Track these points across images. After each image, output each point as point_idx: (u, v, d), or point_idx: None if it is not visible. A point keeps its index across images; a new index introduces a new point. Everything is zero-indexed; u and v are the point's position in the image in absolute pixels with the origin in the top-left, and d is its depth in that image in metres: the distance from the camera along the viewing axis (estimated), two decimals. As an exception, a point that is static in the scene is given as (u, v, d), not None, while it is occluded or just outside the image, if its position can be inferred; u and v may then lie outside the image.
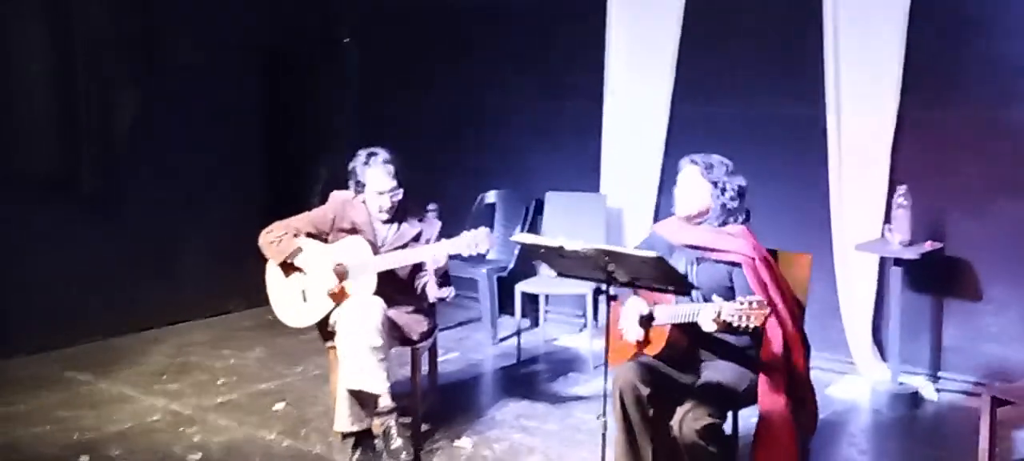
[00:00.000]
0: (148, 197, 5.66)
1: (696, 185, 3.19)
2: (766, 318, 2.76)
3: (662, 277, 2.82)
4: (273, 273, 3.83)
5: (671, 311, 3.03)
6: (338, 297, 3.70)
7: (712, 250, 3.14)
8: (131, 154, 5.60)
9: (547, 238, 2.96)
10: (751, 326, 2.74)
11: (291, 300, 3.80)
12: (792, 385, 3.05)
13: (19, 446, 3.81)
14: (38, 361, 4.92)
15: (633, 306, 3.12)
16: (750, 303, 2.73)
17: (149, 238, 5.69)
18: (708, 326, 2.84)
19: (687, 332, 3.05)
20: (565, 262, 2.96)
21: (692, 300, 3.04)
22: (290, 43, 6.42)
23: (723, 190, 3.16)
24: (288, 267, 3.78)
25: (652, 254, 2.74)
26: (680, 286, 2.86)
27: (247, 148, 6.30)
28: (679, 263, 3.16)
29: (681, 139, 5.09)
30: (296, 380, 4.74)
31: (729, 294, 3.01)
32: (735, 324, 2.75)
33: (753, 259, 3.08)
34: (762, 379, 3.05)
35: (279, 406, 4.34)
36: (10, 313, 5.07)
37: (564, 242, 2.83)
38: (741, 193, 3.18)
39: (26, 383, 4.60)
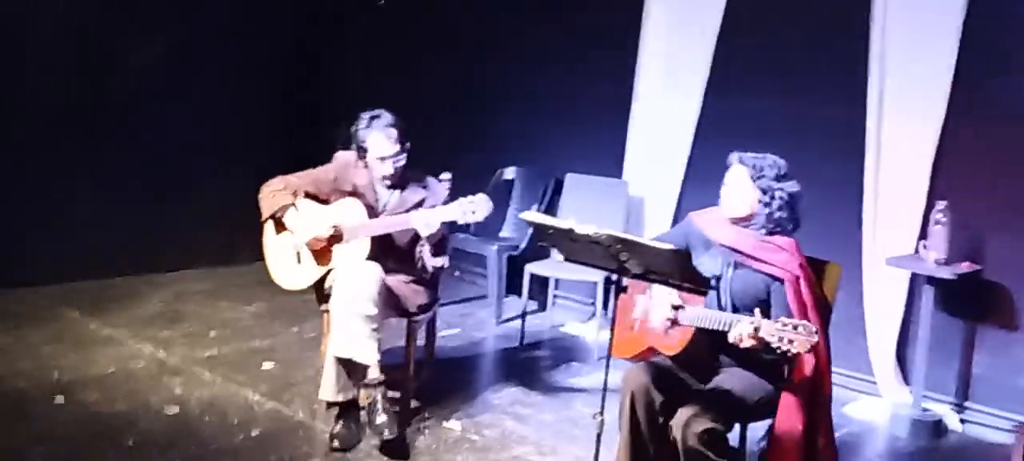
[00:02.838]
0: (167, 141, 5.47)
1: (743, 188, 2.84)
2: (811, 347, 2.43)
3: (679, 273, 2.50)
4: (268, 231, 3.58)
5: (699, 314, 2.72)
6: (322, 256, 3.44)
7: (754, 258, 2.79)
8: (150, 97, 5.40)
9: (557, 219, 2.64)
10: (793, 351, 2.42)
11: (285, 261, 3.56)
12: (813, 413, 2.73)
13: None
14: (33, 295, 4.74)
15: (662, 292, 2.80)
16: (795, 327, 2.41)
17: (163, 182, 5.50)
18: (743, 341, 2.51)
19: (710, 336, 2.72)
20: (575, 247, 2.64)
21: (720, 305, 2.74)
22: (325, 1, 6.17)
23: (772, 199, 2.80)
24: (280, 225, 3.51)
25: (669, 247, 2.42)
26: (698, 286, 2.53)
27: (272, 102, 6.10)
28: (714, 262, 2.84)
29: (711, 131, 4.78)
30: (290, 340, 4.49)
31: (762, 307, 2.66)
32: (774, 345, 2.43)
33: (797, 278, 2.75)
34: (785, 399, 2.74)
35: (268, 365, 4.10)
36: (9, 243, 4.89)
37: (574, 225, 2.52)
38: (791, 202, 2.82)
39: (16, 317, 4.41)
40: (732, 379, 2.79)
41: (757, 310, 2.55)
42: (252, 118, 5.93)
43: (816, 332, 2.42)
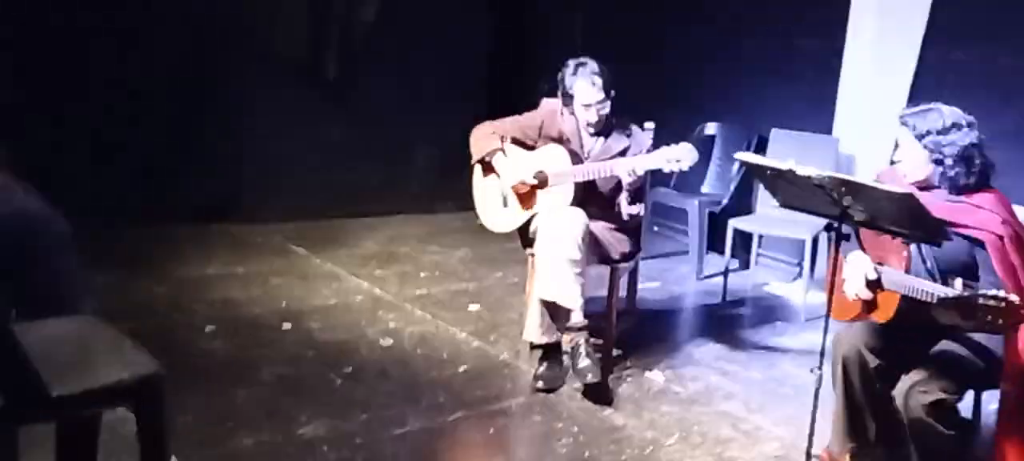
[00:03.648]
0: (381, 93, 5.73)
1: (911, 151, 2.54)
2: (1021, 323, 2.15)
3: (909, 220, 2.26)
4: (477, 174, 3.66)
5: (900, 279, 2.46)
6: (526, 200, 3.47)
7: (951, 224, 2.46)
8: (371, 50, 5.67)
9: (775, 160, 2.46)
10: (1000, 323, 2.14)
11: (493, 204, 3.63)
12: None
13: (232, 305, 3.96)
14: (265, 231, 5.13)
15: (857, 261, 2.57)
16: (999, 301, 2.11)
17: (378, 131, 5.77)
18: (944, 316, 2.27)
19: (921, 305, 2.45)
20: (792, 191, 2.48)
21: (928, 270, 2.47)
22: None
23: (942, 156, 2.47)
24: (488, 168, 3.58)
25: (902, 190, 2.20)
26: (933, 233, 2.27)
27: (475, 56, 6.21)
28: None
29: (928, 84, 4.32)
30: (494, 284, 4.60)
31: (969, 273, 2.38)
32: (975, 318, 2.16)
33: (1001, 238, 2.41)
34: (1009, 361, 2.41)
35: (474, 307, 4.22)
36: (247, 184, 5.38)
37: (794, 166, 2.35)
38: (964, 156, 2.46)
39: (251, 249, 4.82)
40: (958, 342, 2.51)
41: (958, 281, 2.27)
42: (459, 72, 6.06)
43: (1018, 302, 2.10)
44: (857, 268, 2.56)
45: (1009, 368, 2.42)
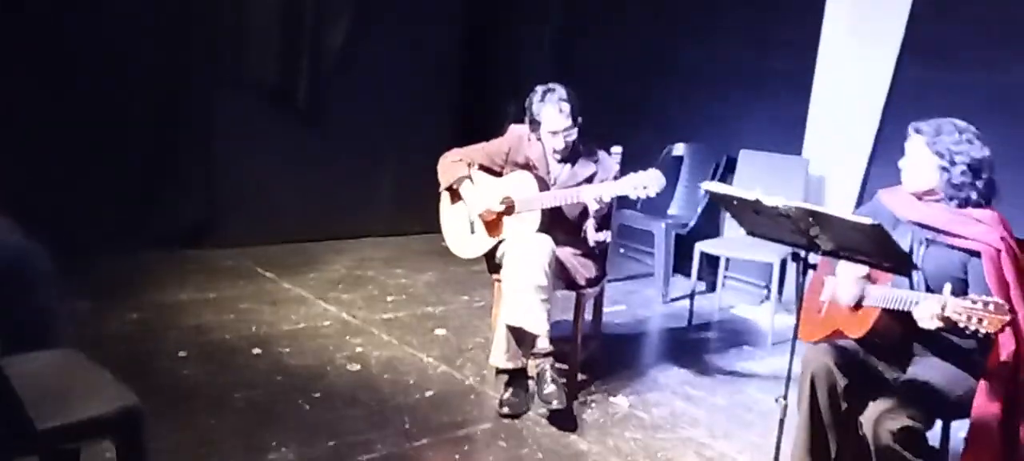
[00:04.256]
0: (350, 117, 5.69)
1: (920, 157, 2.54)
2: (1004, 326, 2.16)
3: (878, 250, 2.26)
4: (445, 201, 3.63)
5: (884, 293, 2.46)
6: (493, 227, 3.45)
7: (947, 234, 2.49)
8: (340, 75, 5.63)
9: (741, 190, 2.46)
10: (982, 331, 2.16)
11: (460, 230, 3.59)
12: (1013, 404, 2.40)
13: (204, 330, 3.90)
14: (235, 255, 5.07)
15: (847, 268, 2.56)
16: (985, 304, 2.14)
17: (346, 155, 5.72)
18: (927, 322, 2.27)
19: (901, 320, 2.46)
20: (759, 220, 2.46)
21: (912, 286, 2.47)
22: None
23: (952, 163, 2.48)
24: (456, 195, 3.55)
25: (868, 221, 2.19)
26: (899, 263, 2.28)
27: (444, 79, 6.20)
28: (903, 239, 2.55)
29: (904, 105, 4.34)
30: (460, 308, 4.55)
31: (960, 286, 2.39)
32: (962, 325, 2.17)
33: (997, 251, 2.42)
34: (981, 388, 2.42)
35: (440, 331, 4.17)
36: (218, 209, 5.30)
37: (761, 196, 2.34)
38: (975, 167, 2.48)
39: (222, 274, 4.75)
40: (930, 369, 2.51)
41: (946, 286, 2.27)
42: (428, 95, 6.04)
43: (1008, 309, 2.14)
44: (847, 274, 2.55)
45: (990, 372, 2.41)
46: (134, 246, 4.78)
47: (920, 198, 2.58)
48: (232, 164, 5.31)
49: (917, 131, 2.57)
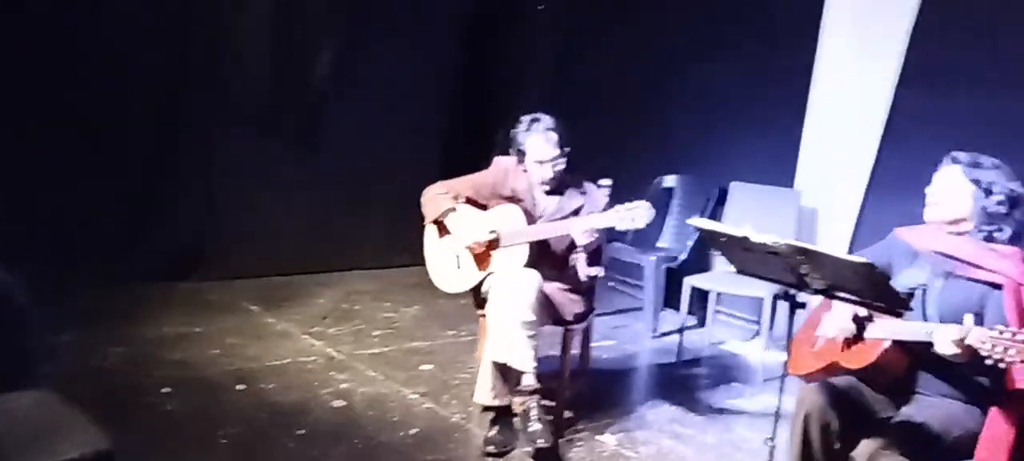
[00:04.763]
0: (338, 148, 5.61)
1: (955, 186, 2.47)
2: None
3: (870, 289, 2.20)
4: (430, 235, 3.55)
5: (894, 325, 2.37)
6: (480, 261, 3.37)
7: (970, 265, 2.41)
8: (328, 105, 5.56)
9: (730, 226, 2.40)
10: (1007, 361, 2.06)
11: (446, 265, 3.51)
12: (1020, 450, 2.31)
13: (189, 365, 3.81)
14: (221, 289, 4.96)
15: (843, 307, 2.49)
16: (1014, 334, 2.04)
17: (334, 187, 5.64)
18: (945, 348, 2.17)
19: (908, 352, 2.38)
20: (748, 257, 2.39)
21: (929, 319, 2.39)
22: (487, 6, 6.17)
23: (989, 192, 2.42)
24: (443, 229, 3.47)
25: (862, 260, 2.12)
26: (892, 304, 2.21)
27: (436, 107, 6.14)
28: (920, 273, 2.49)
29: (903, 134, 4.23)
30: (447, 343, 4.46)
31: (977, 322, 2.28)
32: (985, 354, 2.07)
33: (1019, 285, 2.35)
34: (992, 415, 2.32)
35: (426, 367, 4.08)
36: (204, 242, 5.21)
37: (750, 233, 2.27)
38: (1013, 199, 2.43)
39: (208, 308, 4.64)
40: (928, 409, 2.42)
41: (967, 317, 2.19)
42: (416, 126, 5.98)
43: None
44: (844, 309, 2.48)
45: (1004, 400, 2.31)
46: (119, 278, 4.67)
47: (948, 229, 2.51)
48: (220, 197, 5.22)
49: (954, 160, 2.51)
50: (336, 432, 3.26)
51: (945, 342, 2.17)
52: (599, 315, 4.21)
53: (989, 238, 2.44)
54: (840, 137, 4.53)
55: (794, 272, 2.29)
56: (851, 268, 2.14)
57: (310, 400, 3.54)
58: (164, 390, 3.47)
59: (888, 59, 4.31)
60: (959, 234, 2.49)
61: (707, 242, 2.50)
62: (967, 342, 2.12)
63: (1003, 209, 2.42)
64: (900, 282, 2.45)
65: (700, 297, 4.85)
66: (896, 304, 2.21)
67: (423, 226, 3.58)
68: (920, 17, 4.22)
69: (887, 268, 2.51)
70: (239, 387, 3.61)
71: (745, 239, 2.28)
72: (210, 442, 3.07)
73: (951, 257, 2.45)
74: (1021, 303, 2.33)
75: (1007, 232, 2.43)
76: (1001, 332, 2.06)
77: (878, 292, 2.19)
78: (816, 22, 4.63)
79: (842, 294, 2.29)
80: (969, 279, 2.41)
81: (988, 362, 2.08)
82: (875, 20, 4.38)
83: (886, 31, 4.33)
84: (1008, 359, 2.05)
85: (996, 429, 2.30)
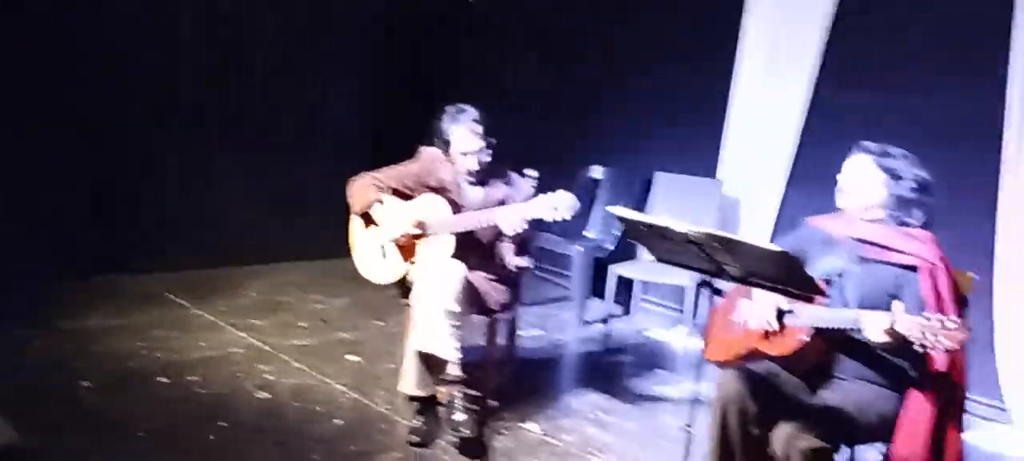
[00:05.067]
0: (266, 139, 5.51)
1: (865, 174, 2.55)
2: (961, 345, 2.11)
3: (786, 277, 2.25)
4: (356, 225, 3.51)
5: (817, 313, 2.43)
6: (406, 251, 3.36)
7: (884, 248, 2.48)
8: (258, 97, 5.45)
9: (650, 215, 2.43)
10: (937, 347, 2.12)
11: (372, 255, 3.47)
12: (943, 416, 2.37)
13: (111, 357, 3.69)
14: (148, 282, 4.81)
15: (766, 293, 2.53)
16: (942, 322, 2.10)
17: (263, 178, 5.54)
18: (875, 335, 2.23)
19: (828, 339, 2.44)
20: (668, 246, 2.42)
21: (847, 306, 2.45)
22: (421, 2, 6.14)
23: (899, 178, 2.51)
24: (370, 220, 3.43)
25: (776, 249, 2.17)
26: (807, 291, 2.27)
27: (363, 99, 6.07)
28: (837, 260, 2.55)
29: (821, 128, 4.36)
30: (374, 334, 4.41)
31: (890, 304, 2.35)
32: (913, 339, 2.13)
33: (934, 266, 2.42)
34: (912, 398, 2.38)
35: (353, 358, 4.03)
36: (131, 234, 5.04)
37: (669, 222, 2.31)
38: (922, 186, 2.52)
39: (133, 301, 4.49)
40: (845, 393, 2.49)
41: (896, 304, 2.25)
42: (344, 118, 5.92)
43: (969, 328, 2.09)
44: (766, 298, 2.52)
45: (922, 384, 2.38)
46: (42, 271, 4.47)
47: (861, 217, 2.58)
48: (146, 188, 5.08)
49: (864, 150, 2.58)
50: (259, 424, 3.20)
51: (874, 329, 2.23)
52: (529, 305, 4.22)
53: (902, 223, 2.52)
54: (761, 130, 4.62)
55: (712, 260, 2.33)
56: (766, 256, 2.19)
57: (234, 392, 3.46)
58: (84, 383, 3.35)
59: (806, 56, 4.43)
60: (872, 221, 2.56)
61: (628, 232, 2.52)
62: (896, 329, 2.18)
63: (914, 195, 2.51)
64: (818, 269, 2.51)
65: (625, 286, 4.92)
66: (810, 290, 2.26)
67: (348, 223, 3.53)
68: (836, 18, 4.34)
69: (801, 255, 2.58)
70: (161, 380, 3.51)
71: (665, 228, 2.31)
72: (129, 435, 2.98)
73: (866, 242, 2.53)
74: (937, 285, 2.41)
75: (919, 217, 2.52)
76: (929, 319, 2.12)
77: (793, 278, 2.24)
78: (738, 20, 4.72)
79: (758, 280, 2.34)
80: (885, 263, 2.48)
81: (917, 348, 2.14)
82: (794, 19, 4.50)
83: (805, 29, 4.45)
84: (936, 345, 2.10)
85: (914, 411, 2.37)
